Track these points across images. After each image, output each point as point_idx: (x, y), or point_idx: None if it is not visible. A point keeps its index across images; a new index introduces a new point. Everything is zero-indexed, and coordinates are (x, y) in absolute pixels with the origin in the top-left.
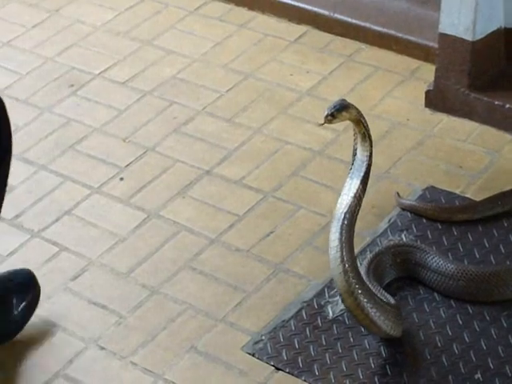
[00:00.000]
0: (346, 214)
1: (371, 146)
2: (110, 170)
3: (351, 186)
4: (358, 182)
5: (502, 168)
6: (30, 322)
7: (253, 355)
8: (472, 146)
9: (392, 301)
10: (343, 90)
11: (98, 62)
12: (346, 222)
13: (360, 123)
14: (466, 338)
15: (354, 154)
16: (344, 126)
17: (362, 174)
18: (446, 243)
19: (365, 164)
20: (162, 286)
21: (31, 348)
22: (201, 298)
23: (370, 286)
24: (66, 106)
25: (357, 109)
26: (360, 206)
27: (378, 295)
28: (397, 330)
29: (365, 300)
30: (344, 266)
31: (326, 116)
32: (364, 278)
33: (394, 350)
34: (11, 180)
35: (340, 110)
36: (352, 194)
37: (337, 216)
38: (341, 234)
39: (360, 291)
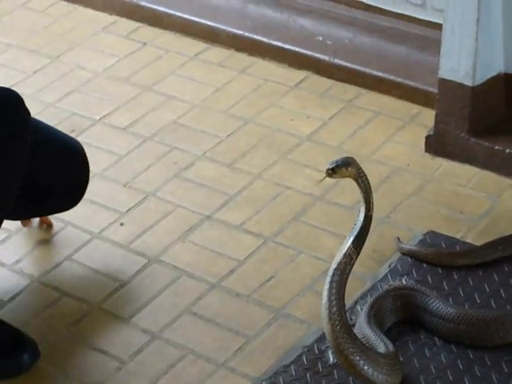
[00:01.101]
0: (335, 271)
1: (367, 209)
2: (111, 215)
3: (345, 245)
4: (350, 241)
5: (503, 213)
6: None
7: None
8: (472, 190)
9: (391, 348)
10: (344, 136)
11: (99, 108)
12: (335, 279)
13: (358, 183)
14: (467, 383)
15: (358, 212)
16: None
17: (355, 233)
18: (446, 288)
19: (360, 224)
20: (162, 331)
21: None
22: (201, 342)
23: (369, 333)
24: None
25: (358, 169)
26: (352, 265)
27: (372, 348)
28: (393, 381)
29: (356, 358)
30: (332, 324)
31: (327, 170)
32: (365, 323)
33: None
34: (11, 226)
35: (341, 166)
36: (343, 253)
37: (329, 273)
38: (330, 291)
39: (350, 349)
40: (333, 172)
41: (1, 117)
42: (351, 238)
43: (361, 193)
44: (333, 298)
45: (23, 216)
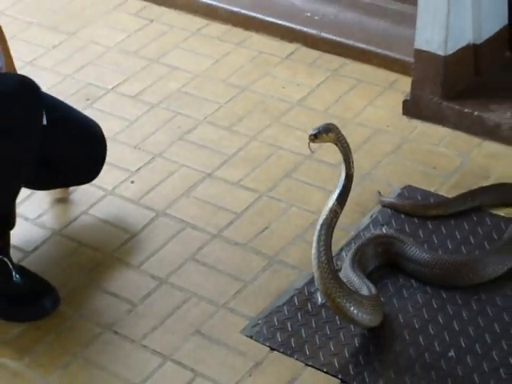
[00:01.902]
0: (322, 225)
1: (347, 169)
2: (122, 174)
3: (329, 201)
4: (334, 198)
5: (472, 169)
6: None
7: (250, 337)
8: (444, 149)
9: (373, 290)
10: (330, 101)
11: (111, 79)
12: (322, 232)
13: (338, 147)
14: (441, 320)
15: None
16: None
17: (338, 191)
18: (422, 236)
19: (342, 183)
20: (169, 276)
21: (53, 332)
22: (204, 287)
23: (353, 277)
24: None
25: (337, 133)
26: (337, 218)
27: (357, 291)
28: (375, 321)
29: (343, 301)
30: (320, 272)
31: (310, 136)
32: (349, 268)
33: (376, 332)
34: None
35: (322, 132)
36: (328, 208)
37: (317, 227)
38: (318, 243)
39: (337, 293)
40: (315, 137)
41: (16, 102)
42: (335, 195)
43: (341, 155)
44: (321, 249)
45: (45, 187)
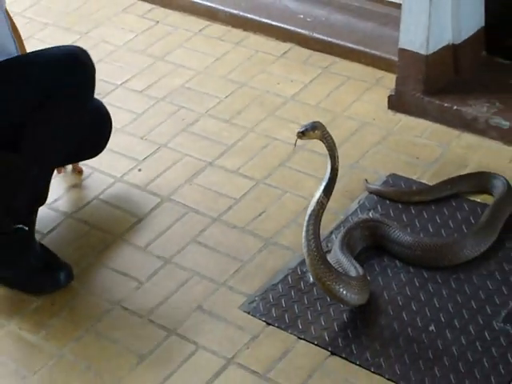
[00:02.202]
0: (310, 216)
1: (332, 163)
2: (130, 162)
3: (316, 193)
4: (321, 190)
5: (451, 158)
6: (63, 288)
7: (248, 313)
8: (426, 140)
9: (360, 271)
10: (321, 96)
11: (120, 75)
12: (311, 222)
13: (323, 143)
14: (422, 297)
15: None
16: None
17: (324, 184)
18: (405, 220)
19: (328, 177)
20: (173, 257)
21: (67, 308)
22: (205, 266)
23: (342, 258)
24: None
25: (323, 131)
26: (323, 208)
27: (346, 273)
28: (362, 299)
29: (332, 283)
30: (311, 258)
31: (298, 133)
32: (339, 249)
33: (363, 308)
34: None
35: (309, 130)
36: (315, 200)
37: (306, 217)
38: (307, 232)
39: (327, 277)
40: (302, 135)
41: (71, 68)
42: (321, 188)
43: (327, 151)
44: (310, 238)
45: (59, 164)
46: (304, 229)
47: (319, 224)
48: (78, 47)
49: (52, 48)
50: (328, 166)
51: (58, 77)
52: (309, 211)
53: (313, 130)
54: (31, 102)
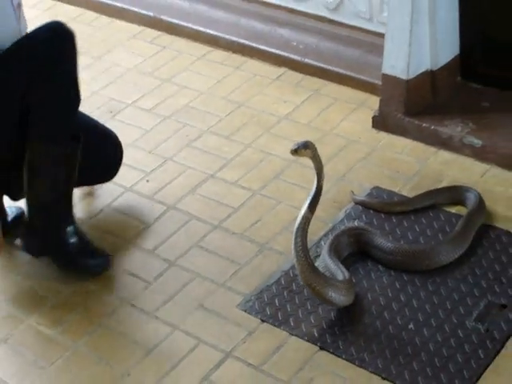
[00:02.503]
0: (297, 229)
1: (318, 181)
2: (139, 174)
3: (302, 210)
4: (306, 206)
5: (429, 173)
6: (78, 288)
7: (245, 311)
8: (406, 156)
9: (346, 274)
10: (312, 116)
11: (130, 95)
12: (298, 234)
13: (312, 161)
14: (402, 298)
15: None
16: (313, 141)
17: (309, 200)
18: (387, 228)
19: (313, 194)
20: (177, 259)
21: (81, 305)
22: (206, 268)
23: (330, 262)
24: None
25: (312, 151)
26: (308, 222)
27: (333, 276)
28: (348, 301)
29: (321, 288)
30: (301, 266)
31: (291, 150)
32: (327, 255)
33: (349, 308)
34: None
35: (300, 148)
36: (301, 215)
37: (293, 231)
38: (296, 244)
39: (316, 282)
40: (295, 152)
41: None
42: (307, 204)
43: (314, 169)
44: (299, 249)
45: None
46: (293, 241)
47: (306, 235)
48: (57, 22)
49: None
50: (314, 183)
51: (41, 52)
52: (296, 225)
53: (304, 149)
54: (21, 84)
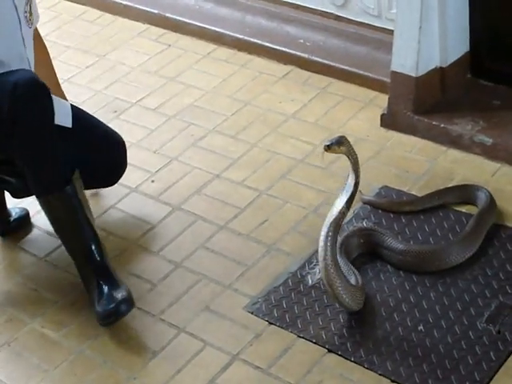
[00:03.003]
0: (331, 223)
1: (356, 178)
2: (144, 174)
3: (339, 203)
4: (344, 201)
5: (438, 172)
6: (82, 290)
7: (251, 313)
8: (416, 155)
9: (359, 278)
10: (319, 114)
11: (135, 94)
12: (331, 229)
13: (348, 159)
14: (412, 300)
15: (348, 177)
16: (320, 139)
17: (347, 196)
18: (396, 228)
19: (351, 190)
20: (183, 261)
21: (86, 308)
22: (212, 270)
23: (341, 263)
24: (111, 126)
25: (348, 147)
26: (344, 218)
27: (350, 281)
28: (359, 306)
29: (339, 290)
30: (325, 264)
31: (324, 146)
32: (338, 255)
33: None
34: None
35: (334, 144)
36: (338, 210)
37: (326, 223)
38: (326, 238)
39: (337, 283)
40: (328, 148)
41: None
42: (345, 199)
43: (351, 165)
44: (329, 244)
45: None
46: (323, 234)
47: (338, 232)
48: (29, 72)
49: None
50: (350, 180)
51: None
52: (329, 219)
53: (338, 145)
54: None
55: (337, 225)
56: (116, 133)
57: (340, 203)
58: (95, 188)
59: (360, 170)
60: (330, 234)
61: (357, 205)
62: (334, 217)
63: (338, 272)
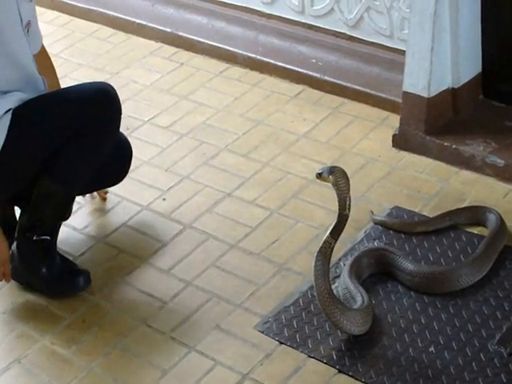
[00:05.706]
0: (318, 254)
1: (340, 209)
2: (156, 192)
3: (325, 234)
4: (329, 232)
5: (450, 192)
6: (93, 307)
7: (262, 332)
8: (427, 176)
9: (366, 299)
10: (331, 134)
11: (147, 112)
12: (319, 259)
13: (334, 189)
14: (423, 321)
15: None
16: (332, 159)
17: (332, 226)
18: (407, 249)
19: (335, 220)
20: (194, 279)
21: (96, 325)
22: (223, 289)
23: (350, 284)
24: None
25: (337, 178)
26: (331, 248)
27: (353, 298)
28: (364, 330)
29: (337, 317)
30: (319, 291)
31: (316, 173)
32: (347, 276)
33: (368, 330)
34: (81, 199)
35: (324, 173)
36: (323, 241)
37: (314, 255)
38: (315, 268)
39: (332, 310)
40: (319, 176)
41: (100, 105)
42: (329, 230)
43: (336, 196)
44: (318, 274)
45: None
46: (313, 265)
47: (328, 261)
48: (107, 84)
49: (83, 84)
50: (338, 211)
51: (87, 112)
52: (317, 249)
53: (328, 175)
54: (61, 137)
55: (323, 254)
56: (123, 136)
57: (325, 233)
58: (103, 187)
59: (349, 204)
60: (319, 263)
61: (368, 225)
62: (319, 247)
63: (333, 299)
